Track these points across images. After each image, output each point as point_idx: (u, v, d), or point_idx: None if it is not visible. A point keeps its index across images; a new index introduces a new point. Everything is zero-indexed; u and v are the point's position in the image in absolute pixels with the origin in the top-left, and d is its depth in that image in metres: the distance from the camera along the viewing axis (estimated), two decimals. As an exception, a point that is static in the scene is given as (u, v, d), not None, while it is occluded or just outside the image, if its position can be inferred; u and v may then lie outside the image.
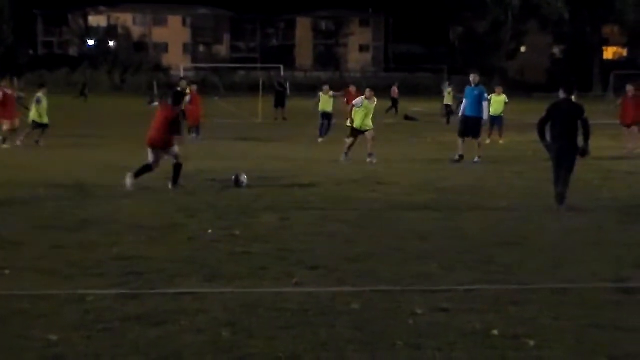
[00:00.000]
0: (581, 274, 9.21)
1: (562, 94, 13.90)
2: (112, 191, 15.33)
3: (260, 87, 41.83)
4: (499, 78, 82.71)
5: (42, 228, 11.61)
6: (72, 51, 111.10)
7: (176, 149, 15.87)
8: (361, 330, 7.10)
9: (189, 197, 14.77)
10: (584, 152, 13.80)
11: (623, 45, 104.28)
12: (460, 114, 22.05)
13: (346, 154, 21.18)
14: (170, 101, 16.22)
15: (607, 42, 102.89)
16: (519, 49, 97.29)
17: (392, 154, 23.24)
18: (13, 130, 24.32)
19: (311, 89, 77.41)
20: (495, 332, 7.04)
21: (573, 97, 14.58)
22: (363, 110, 21.23)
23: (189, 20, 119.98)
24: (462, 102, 22.09)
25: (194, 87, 28.19)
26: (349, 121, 21.59)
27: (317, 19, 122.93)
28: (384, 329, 7.14)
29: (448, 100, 39.36)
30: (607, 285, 8.71)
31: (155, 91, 29.24)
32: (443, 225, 12.24)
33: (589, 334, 7.06)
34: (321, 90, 29.74)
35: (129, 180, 15.47)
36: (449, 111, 37.78)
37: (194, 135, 26.78)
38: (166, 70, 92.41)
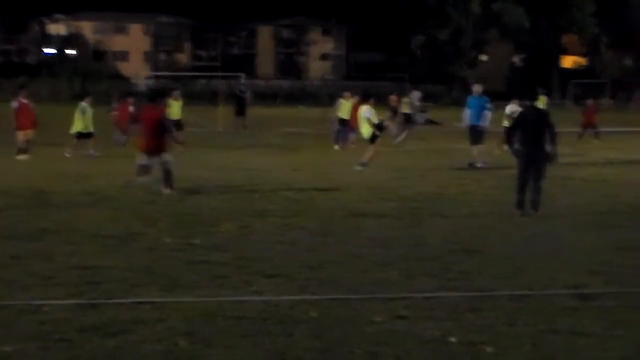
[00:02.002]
0: (539, 281, 9.28)
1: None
2: (70, 199, 15.22)
3: (221, 96, 41.75)
4: (459, 86, 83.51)
5: (0, 238, 11.49)
6: (30, 59, 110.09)
7: (168, 156, 15.87)
8: (319, 338, 7.10)
9: (148, 206, 14.69)
10: (551, 157, 14.03)
11: (582, 55, 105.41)
12: (466, 123, 22.56)
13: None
14: (152, 102, 16.20)
15: (566, 52, 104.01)
16: (480, 58, 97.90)
17: (355, 161, 23.28)
18: (28, 141, 23.53)
19: (272, 97, 77.70)
20: (453, 339, 7.08)
21: (540, 103, 15.01)
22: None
23: (149, 29, 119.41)
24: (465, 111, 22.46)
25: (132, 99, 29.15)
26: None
27: (278, 28, 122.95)
28: (343, 337, 7.16)
29: (405, 108, 39.39)
30: (564, 292, 8.79)
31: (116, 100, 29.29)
32: (404, 233, 12.28)
33: (546, 340, 7.13)
34: (341, 96, 29.64)
35: (166, 191, 15.71)
36: (409, 119, 37.80)
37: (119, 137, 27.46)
38: (126, 78, 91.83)
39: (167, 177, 15.90)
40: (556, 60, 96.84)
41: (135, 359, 6.58)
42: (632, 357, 6.70)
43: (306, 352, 6.77)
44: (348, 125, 28.06)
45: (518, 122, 14.32)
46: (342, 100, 29.24)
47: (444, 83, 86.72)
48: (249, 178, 18.97)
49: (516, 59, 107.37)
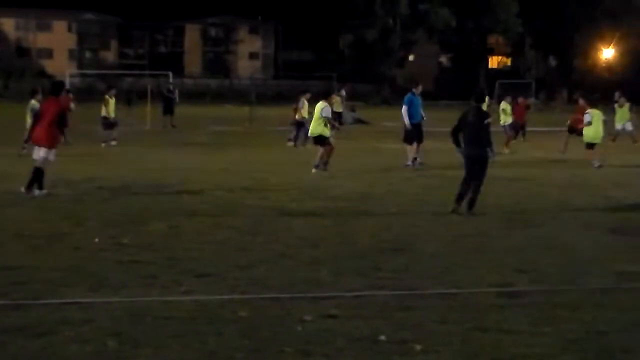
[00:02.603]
0: (467, 279, 9.40)
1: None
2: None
3: (149, 94, 41.38)
4: (388, 86, 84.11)
5: None
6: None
7: (53, 154, 15.43)
8: (249, 337, 7.09)
9: (76, 205, 14.51)
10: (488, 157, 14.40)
11: (507, 55, 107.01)
12: (408, 122, 22.26)
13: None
14: (54, 94, 15.88)
15: (492, 52, 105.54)
16: (408, 57, 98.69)
17: (283, 160, 23.32)
18: None
19: (200, 96, 77.32)
20: (383, 337, 7.12)
21: (484, 105, 15.37)
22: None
23: (74, 26, 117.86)
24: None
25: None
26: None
27: (206, 26, 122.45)
28: (272, 336, 7.16)
29: (338, 107, 39.53)
30: (492, 290, 8.91)
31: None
32: (333, 232, 12.33)
33: (474, 337, 7.22)
34: (303, 95, 29.60)
35: (37, 193, 15.11)
36: (338, 118, 37.91)
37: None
38: (51, 76, 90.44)
39: (38, 176, 15.24)
40: (483, 61, 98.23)
41: (63, 361, 6.50)
42: (558, 353, 6.82)
43: (236, 351, 6.75)
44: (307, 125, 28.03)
45: (460, 122, 14.59)
46: (304, 100, 29.07)
47: (372, 82, 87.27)
48: (178, 177, 18.84)
49: (443, 59, 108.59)
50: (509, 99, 31.38)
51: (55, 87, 16.36)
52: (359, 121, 44.06)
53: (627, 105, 31.56)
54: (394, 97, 78.67)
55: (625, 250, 11.31)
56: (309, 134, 21.56)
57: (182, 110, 43.44)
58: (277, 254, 10.59)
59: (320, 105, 20.83)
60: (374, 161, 22.19)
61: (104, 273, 9.38)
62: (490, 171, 14.76)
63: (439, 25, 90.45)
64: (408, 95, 22.66)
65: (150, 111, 39.49)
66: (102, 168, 20.16)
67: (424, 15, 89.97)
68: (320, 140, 20.63)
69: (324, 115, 20.52)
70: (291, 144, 28.59)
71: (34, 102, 23.27)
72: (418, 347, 6.88)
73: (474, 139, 14.32)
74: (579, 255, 10.87)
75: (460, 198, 14.24)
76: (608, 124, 25.38)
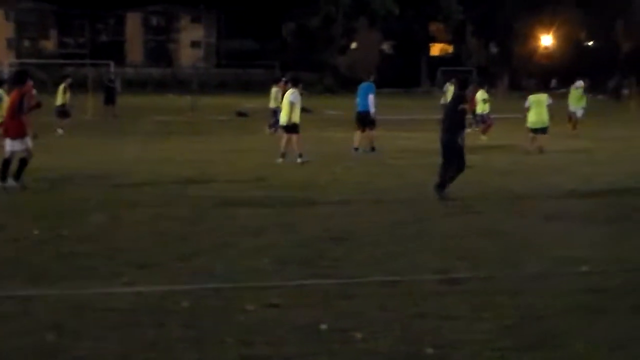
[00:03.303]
0: (407, 266, 9.47)
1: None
2: None
3: (90, 84, 40.99)
4: (330, 74, 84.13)
5: None
6: None
7: (29, 141, 15.26)
8: (191, 328, 7.08)
9: (16, 196, 14.34)
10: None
11: (449, 42, 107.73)
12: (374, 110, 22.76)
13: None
14: (18, 83, 15.64)
15: (434, 39, 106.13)
16: (350, 45, 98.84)
17: (226, 150, 23.26)
18: None
19: (142, 86, 76.68)
20: (324, 326, 7.16)
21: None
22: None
23: (11, 15, 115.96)
24: None
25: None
26: None
27: (147, 15, 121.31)
28: (214, 326, 7.16)
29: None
30: (432, 277, 9.00)
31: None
32: (275, 221, 12.33)
33: (415, 324, 7.29)
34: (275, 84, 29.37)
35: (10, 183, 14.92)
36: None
37: None
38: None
39: (4, 168, 15.11)
40: (425, 48, 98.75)
41: (1, 354, 6.43)
42: (496, 338, 6.91)
43: (178, 342, 6.74)
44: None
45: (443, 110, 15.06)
46: (276, 88, 28.94)
47: (315, 71, 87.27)
48: (120, 168, 18.69)
49: (386, 47, 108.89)
50: (485, 87, 31.44)
51: (19, 76, 16.05)
52: (302, 110, 43.86)
53: (581, 89, 31.25)
54: (337, 86, 79.01)
55: (561, 236, 11.49)
56: (280, 123, 21.42)
57: (124, 100, 43.11)
58: (219, 244, 10.57)
59: (289, 92, 20.81)
60: (318, 150, 22.19)
61: (43, 265, 9.29)
62: (430, 159, 14.92)
63: (381, 13, 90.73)
64: (370, 84, 23.03)
65: (91, 101, 39.08)
66: (43, 158, 19.85)
67: (366, 3, 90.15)
68: (291, 128, 20.48)
69: (291, 100, 20.41)
70: (272, 130, 28.48)
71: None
72: (359, 335, 6.93)
73: (447, 125, 14.79)
74: (517, 242, 11.02)
75: (441, 185, 14.48)
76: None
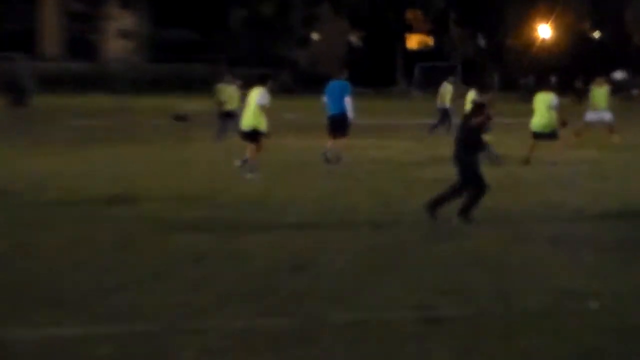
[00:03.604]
0: (380, 302, 9.39)
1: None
2: None
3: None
4: (288, 69, 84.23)
5: None
6: None
7: None
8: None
9: None
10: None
11: (428, 33, 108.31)
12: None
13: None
14: None
15: (411, 29, 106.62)
16: (311, 36, 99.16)
17: (159, 161, 23.09)
18: None
19: (59, 83, 76.21)
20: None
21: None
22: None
23: None
24: None
25: None
26: None
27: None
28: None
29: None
30: (409, 316, 8.90)
31: None
32: (219, 248, 12.21)
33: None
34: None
35: None
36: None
37: None
38: None
39: None
40: (400, 40, 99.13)
41: None
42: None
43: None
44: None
45: None
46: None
47: (270, 66, 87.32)
48: (29, 184, 18.48)
49: (354, 38, 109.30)
50: (474, 87, 31.47)
51: None
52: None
53: (605, 87, 29.91)
54: (296, 84, 79.18)
55: (566, 264, 11.47)
56: (240, 128, 20.92)
57: (37, 100, 42.82)
58: (149, 276, 10.47)
59: (255, 91, 20.19)
60: (272, 161, 22.10)
61: None
62: (412, 171, 14.87)
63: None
64: (345, 83, 23.05)
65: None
66: None
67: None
68: (252, 135, 20.14)
69: (259, 102, 19.83)
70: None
71: None
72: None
73: (460, 139, 14.46)
74: (513, 272, 10.98)
75: (436, 202, 14.34)
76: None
